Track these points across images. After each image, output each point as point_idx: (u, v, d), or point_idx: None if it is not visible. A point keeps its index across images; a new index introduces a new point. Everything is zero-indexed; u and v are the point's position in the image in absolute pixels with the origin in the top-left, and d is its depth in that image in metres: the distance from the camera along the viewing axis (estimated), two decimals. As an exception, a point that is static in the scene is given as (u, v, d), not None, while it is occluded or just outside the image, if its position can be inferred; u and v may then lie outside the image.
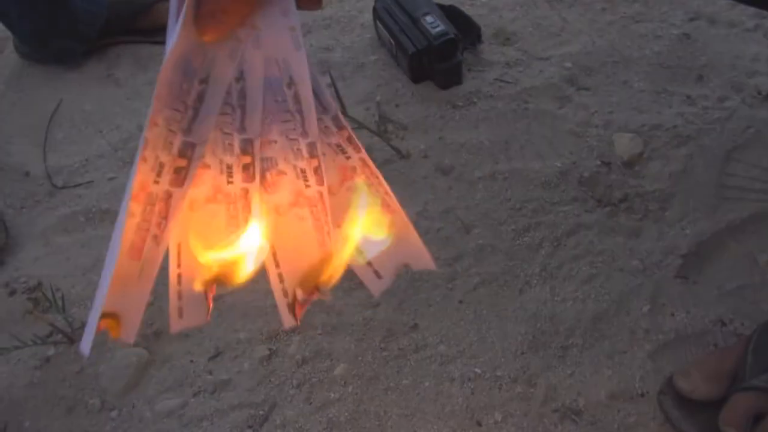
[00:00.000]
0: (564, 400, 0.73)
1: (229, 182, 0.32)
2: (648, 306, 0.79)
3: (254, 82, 0.30)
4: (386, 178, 0.94)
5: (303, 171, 0.32)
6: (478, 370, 0.76)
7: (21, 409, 0.77)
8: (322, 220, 0.33)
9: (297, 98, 0.31)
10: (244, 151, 0.31)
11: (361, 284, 0.78)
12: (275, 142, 0.31)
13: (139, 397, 0.77)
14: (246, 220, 0.33)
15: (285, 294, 0.34)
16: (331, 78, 0.89)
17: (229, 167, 0.31)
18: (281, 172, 0.32)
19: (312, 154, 0.32)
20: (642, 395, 0.73)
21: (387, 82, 1.07)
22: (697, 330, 0.77)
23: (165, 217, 0.30)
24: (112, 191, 0.96)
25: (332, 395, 0.75)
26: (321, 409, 0.74)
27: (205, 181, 0.32)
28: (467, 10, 1.14)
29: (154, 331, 0.82)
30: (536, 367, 0.76)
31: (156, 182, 0.30)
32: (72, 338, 0.80)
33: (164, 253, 0.32)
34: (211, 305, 0.34)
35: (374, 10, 1.10)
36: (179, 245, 0.33)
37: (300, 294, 0.35)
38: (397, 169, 0.95)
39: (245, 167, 0.31)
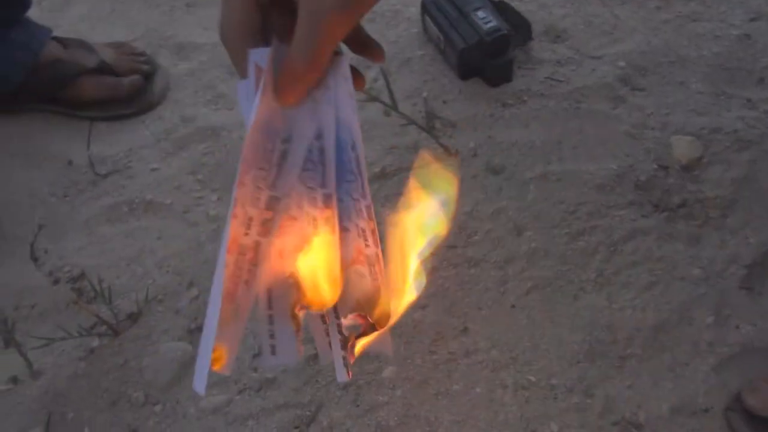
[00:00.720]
0: (623, 413, 0.70)
1: (314, 233, 0.35)
2: (712, 317, 0.76)
3: (330, 140, 0.33)
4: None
5: (363, 230, 0.35)
6: (532, 378, 0.73)
7: (65, 400, 0.76)
8: (379, 279, 0.35)
9: (358, 162, 0.34)
10: (326, 205, 0.34)
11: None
12: (341, 200, 0.35)
13: (183, 392, 0.76)
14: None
15: (343, 346, 0.36)
16: (383, 71, 0.87)
17: (315, 219, 0.34)
18: (345, 229, 0.35)
19: (370, 216, 0.34)
20: (706, 410, 0.69)
21: (434, 78, 1.04)
22: (764, 344, 0.73)
23: (255, 264, 0.34)
24: (155, 182, 0.95)
25: (380, 398, 0.73)
26: (369, 412, 0.72)
27: (294, 231, 0.35)
28: (516, 6, 1.11)
29: (197, 326, 0.80)
30: (593, 377, 0.73)
31: (246, 234, 0.33)
32: (117, 330, 0.79)
33: (255, 297, 0.35)
34: (302, 346, 0.37)
35: (422, 4, 1.07)
36: (269, 290, 0.36)
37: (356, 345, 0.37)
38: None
39: (327, 220, 0.34)
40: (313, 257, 0.35)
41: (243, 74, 0.33)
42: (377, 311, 0.36)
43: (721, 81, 1.00)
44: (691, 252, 0.82)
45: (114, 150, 1.00)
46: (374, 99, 0.89)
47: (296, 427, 0.72)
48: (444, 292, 0.81)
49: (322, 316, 0.36)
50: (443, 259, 0.83)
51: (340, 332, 0.36)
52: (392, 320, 0.36)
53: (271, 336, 0.36)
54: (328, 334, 0.36)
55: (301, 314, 0.36)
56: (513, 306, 0.79)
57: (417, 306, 0.80)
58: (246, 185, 0.32)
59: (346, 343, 0.36)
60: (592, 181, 0.89)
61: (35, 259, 0.88)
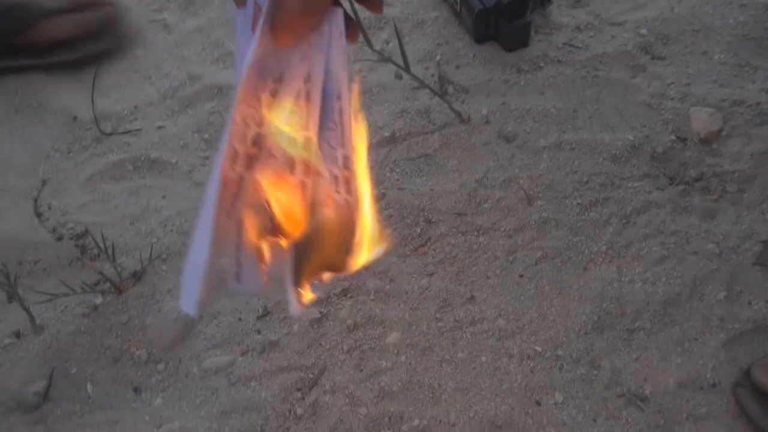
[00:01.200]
0: (629, 386, 0.69)
1: (292, 173, 0.36)
2: (724, 293, 0.74)
3: (316, 85, 0.34)
4: (445, 143, 0.89)
5: (336, 177, 0.36)
6: (538, 348, 0.72)
7: (68, 356, 0.76)
8: (344, 227, 0.37)
9: (341, 112, 0.35)
10: (305, 148, 0.35)
11: (415, 251, 0.74)
12: (320, 146, 0.36)
13: (186, 351, 0.75)
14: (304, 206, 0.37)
15: (296, 281, 0.37)
16: (396, 31, 0.84)
17: (292, 159, 0.36)
18: (319, 173, 0.36)
19: (346, 166, 0.36)
20: (713, 386, 0.69)
21: (448, 41, 1.01)
22: (776, 321, 0.72)
23: (237, 196, 0.35)
24: (160, 140, 0.93)
25: (384, 363, 0.73)
26: (372, 376, 0.72)
27: (272, 168, 0.36)
28: (536, -32, 1.07)
29: (202, 286, 0.79)
30: (600, 349, 0.72)
31: (232, 168, 0.34)
32: (120, 288, 0.79)
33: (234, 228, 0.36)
34: (265, 277, 0.38)
35: (438, -37, 1.03)
36: (241, 219, 0.36)
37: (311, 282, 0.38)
38: (457, 133, 0.90)
39: (303, 162, 0.36)
40: (284, 194, 0.36)
41: (241, 3, 0.35)
42: (334, 256, 0.38)
43: (746, 51, 0.97)
44: (706, 226, 0.80)
45: (119, 107, 0.98)
46: (386, 60, 0.86)
47: (299, 389, 0.72)
48: (452, 260, 0.80)
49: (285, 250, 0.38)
50: (452, 227, 0.82)
51: (297, 268, 0.37)
52: (347, 269, 0.38)
53: (238, 263, 0.37)
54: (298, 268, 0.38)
55: (265, 246, 0.37)
56: (521, 275, 0.78)
57: (424, 273, 0.79)
58: (237, 123, 0.33)
59: (300, 278, 0.37)
60: (607, 152, 0.87)
61: (39, 215, 0.88)
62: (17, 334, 0.77)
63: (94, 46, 0.95)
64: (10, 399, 0.71)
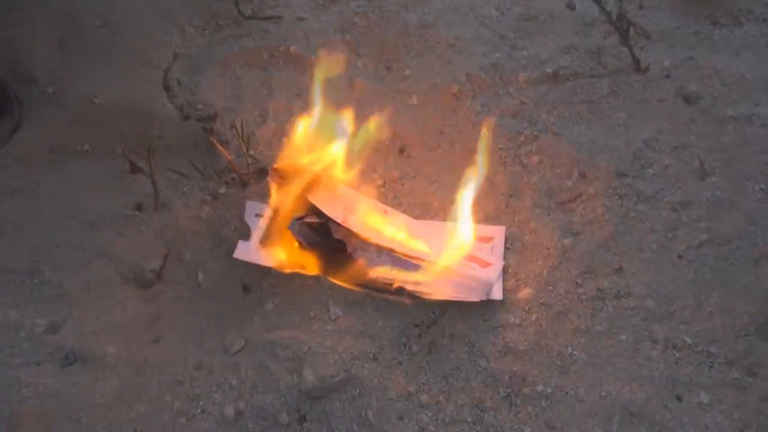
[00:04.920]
0: (791, 403, 0.61)
1: None
2: None
3: None
4: (614, 92, 0.78)
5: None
6: (688, 339, 0.65)
7: (184, 239, 0.74)
8: None
9: None
10: None
11: (563, 205, 0.65)
12: None
13: (303, 261, 0.71)
14: None
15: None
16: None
17: None
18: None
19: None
20: None
21: (634, -25, 0.87)
22: None
23: None
24: (301, 33, 0.87)
25: (512, 318, 0.67)
26: (497, 329, 0.66)
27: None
28: None
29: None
30: (761, 356, 0.63)
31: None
32: (245, 181, 0.74)
33: None
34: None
35: None
36: None
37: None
38: (630, 83, 0.79)
39: None
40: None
41: None
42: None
43: None
44: None
45: (261, -12, 0.91)
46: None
47: (416, 326, 0.67)
48: (602, 223, 0.71)
49: None
50: (609, 186, 0.73)
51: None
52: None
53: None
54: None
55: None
56: (680, 256, 0.69)
57: (569, 231, 0.71)
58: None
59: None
60: (807, 136, 0.74)
61: (167, 89, 0.84)
62: (139, 207, 0.75)
63: None
64: (129, 271, 0.70)
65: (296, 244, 0.67)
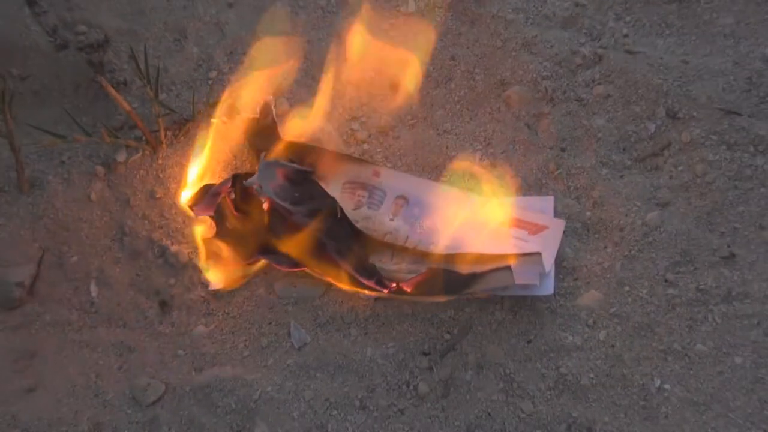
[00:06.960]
0: None
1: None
2: None
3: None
4: None
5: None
6: (834, 362, 0.62)
7: (66, 235, 0.72)
8: None
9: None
10: None
11: (643, 162, 0.74)
12: None
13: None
14: None
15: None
16: None
17: None
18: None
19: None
20: None
21: None
22: None
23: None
24: None
25: (570, 338, 0.66)
26: (548, 354, 0.66)
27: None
28: None
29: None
30: None
31: None
32: (155, 142, 0.72)
33: None
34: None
35: None
36: None
37: None
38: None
39: None
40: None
41: None
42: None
43: None
44: None
45: None
46: None
47: (425, 353, 0.67)
48: (703, 187, 0.71)
49: None
50: (712, 131, 0.72)
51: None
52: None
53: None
54: None
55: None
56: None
57: (653, 200, 0.72)
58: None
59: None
60: None
61: (32, 3, 0.80)
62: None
63: None
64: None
65: (260, 214, 0.64)
